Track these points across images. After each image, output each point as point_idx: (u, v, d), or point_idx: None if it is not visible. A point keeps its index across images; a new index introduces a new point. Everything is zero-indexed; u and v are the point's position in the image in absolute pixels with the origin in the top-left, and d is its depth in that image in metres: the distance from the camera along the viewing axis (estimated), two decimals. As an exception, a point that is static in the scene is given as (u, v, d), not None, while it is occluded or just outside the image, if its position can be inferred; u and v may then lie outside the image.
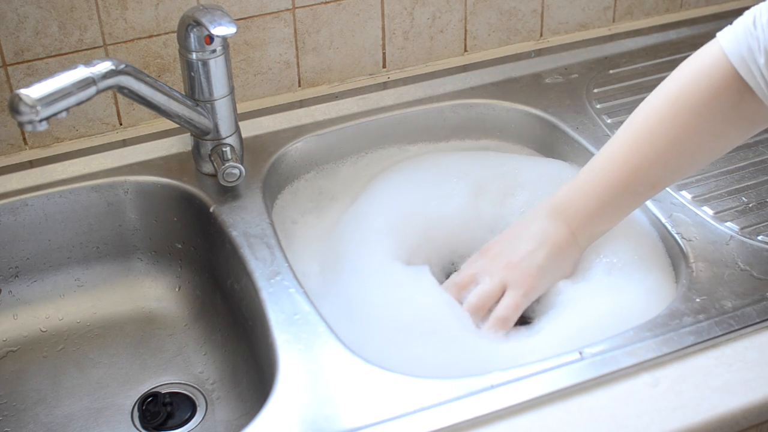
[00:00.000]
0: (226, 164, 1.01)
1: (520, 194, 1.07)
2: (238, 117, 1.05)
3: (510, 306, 0.92)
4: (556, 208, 0.95)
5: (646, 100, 0.92)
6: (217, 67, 0.99)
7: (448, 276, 1.00)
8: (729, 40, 0.85)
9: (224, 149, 1.03)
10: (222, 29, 0.93)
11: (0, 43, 1.04)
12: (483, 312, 0.93)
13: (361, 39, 1.21)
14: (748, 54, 0.83)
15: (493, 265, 0.95)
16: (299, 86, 1.21)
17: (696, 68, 0.88)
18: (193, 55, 0.98)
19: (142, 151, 1.10)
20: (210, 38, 0.97)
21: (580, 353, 0.82)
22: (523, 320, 0.95)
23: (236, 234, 0.98)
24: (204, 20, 0.93)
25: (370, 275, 0.96)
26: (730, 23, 0.87)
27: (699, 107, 0.87)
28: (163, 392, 1.00)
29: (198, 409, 0.99)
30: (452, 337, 0.90)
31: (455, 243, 1.05)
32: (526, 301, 0.93)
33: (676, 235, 0.96)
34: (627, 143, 0.91)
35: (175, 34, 1.05)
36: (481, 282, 0.94)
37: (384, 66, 1.24)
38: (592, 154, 1.09)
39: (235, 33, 0.93)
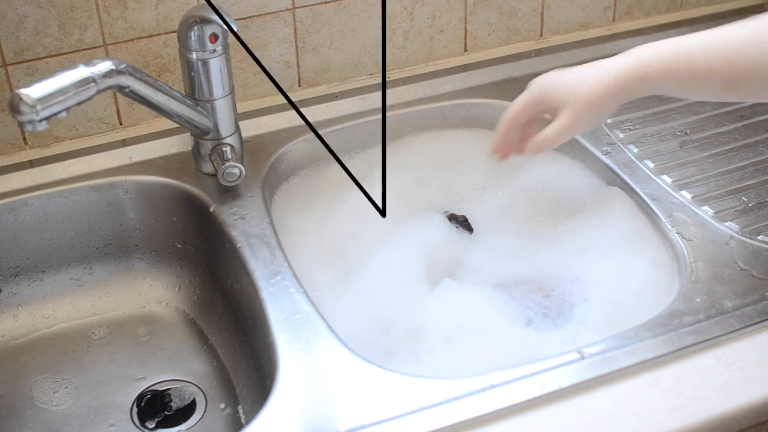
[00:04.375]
0: (226, 164, 1.01)
1: (532, 187, 1.08)
2: (238, 117, 1.05)
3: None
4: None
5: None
6: (217, 66, 0.99)
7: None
8: None
9: (224, 149, 1.03)
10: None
11: (0, 42, 1.04)
12: None
13: (361, 39, 1.21)
14: None
15: None
16: (299, 86, 1.21)
17: None
18: (193, 55, 0.98)
19: (142, 151, 1.09)
20: (215, 36, 0.97)
21: (580, 353, 0.82)
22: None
23: (236, 234, 0.98)
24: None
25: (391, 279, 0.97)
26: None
27: None
28: (162, 391, 1.00)
29: (198, 408, 0.99)
30: (499, 335, 0.90)
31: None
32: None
33: (676, 235, 0.97)
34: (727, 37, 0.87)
35: (175, 34, 1.05)
36: None
37: (384, 66, 1.24)
38: (593, 154, 1.09)
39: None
